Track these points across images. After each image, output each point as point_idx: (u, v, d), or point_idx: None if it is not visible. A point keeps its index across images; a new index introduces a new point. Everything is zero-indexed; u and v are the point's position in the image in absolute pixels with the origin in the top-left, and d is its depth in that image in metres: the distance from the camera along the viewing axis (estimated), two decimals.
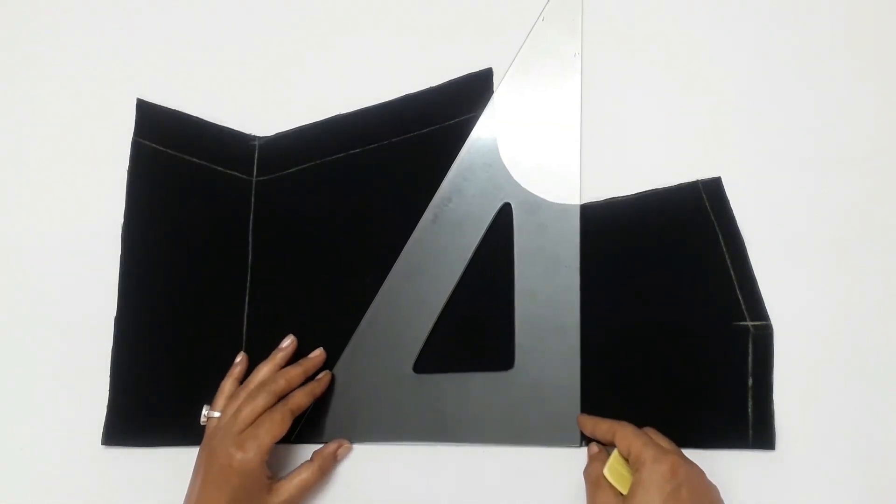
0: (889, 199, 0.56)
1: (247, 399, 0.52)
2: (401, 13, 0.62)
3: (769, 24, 0.60)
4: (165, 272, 0.59)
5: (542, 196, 0.57)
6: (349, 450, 0.55)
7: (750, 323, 0.54)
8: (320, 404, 0.56)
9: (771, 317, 0.54)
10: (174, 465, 0.55)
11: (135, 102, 0.62)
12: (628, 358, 0.55)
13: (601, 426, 0.51)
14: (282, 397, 0.52)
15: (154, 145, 0.61)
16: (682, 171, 0.57)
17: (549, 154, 0.58)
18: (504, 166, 0.58)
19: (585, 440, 0.53)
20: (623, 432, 0.49)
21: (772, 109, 0.58)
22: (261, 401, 0.51)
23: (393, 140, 0.60)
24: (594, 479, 0.49)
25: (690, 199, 0.57)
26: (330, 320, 0.57)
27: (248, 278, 0.58)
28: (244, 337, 0.57)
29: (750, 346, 0.54)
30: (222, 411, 0.52)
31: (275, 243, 0.59)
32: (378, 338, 0.56)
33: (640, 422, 0.53)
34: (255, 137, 0.61)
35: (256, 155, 0.60)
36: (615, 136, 0.58)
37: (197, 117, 0.61)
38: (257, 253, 0.59)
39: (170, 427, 0.57)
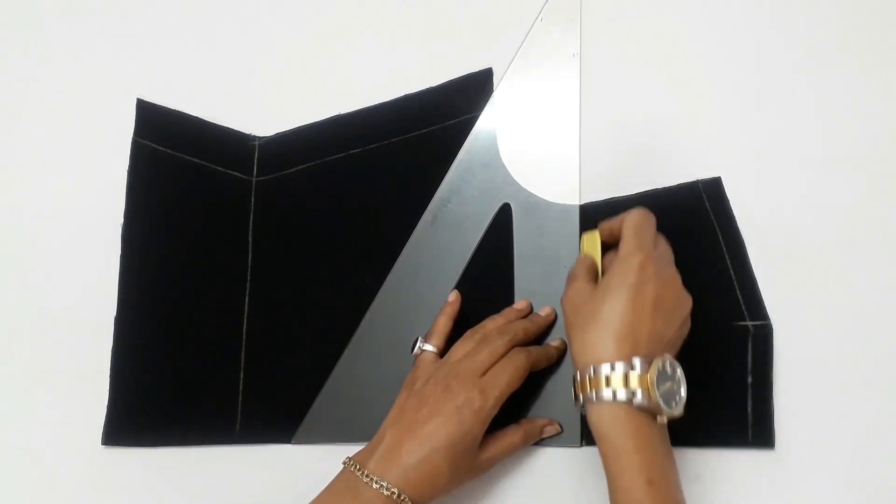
0: (889, 199, 0.56)
1: (484, 341, 0.50)
2: (401, 13, 0.62)
3: (769, 24, 0.60)
4: (165, 272, 0.59)
5: (542, 196, 0.57)
6: (557, 431, 0.53)
7: (750, 323, 0.54)
8: (321, 404, 0.55)
9: (771, 317, 0.54)
10: (174, 465, 0.56)
11: (135, 102, 0.62)
12: None
13: (615, 221, 0.50)
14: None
15: (154, 145, 0.61)
16: (682, 171, 0.57)
17: (548, 154, 0.58)
18: (503, 166, 0.58)
19: (586, 440, 0.53)
20: (627, 218, 0.48)
21: (772, 109, 0.58)
22: (501, 346, 0.49)
23: (393, 140, 0.60)
24: (579, 260, 0.50)
25: (690, 199, 0.57)
26: (330, 320, 0.57)
27: (248, 278, 0.58)
28: (244, 337, 0.57)
29: (750, 345, 0.54)
30: (440, 348, 0.52)
31: (275, 243, 0.59)
32: (377, 339, 0.56)
33: None
34: (255, 137, 0.61)
35: (256, 155, 0.60)
36: (615, 136, 0.58)
37: (197, 117, 0.61)
38: (257, 253, 0.59)
39: (170, 427, 0.57)
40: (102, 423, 0.56)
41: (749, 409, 0.53)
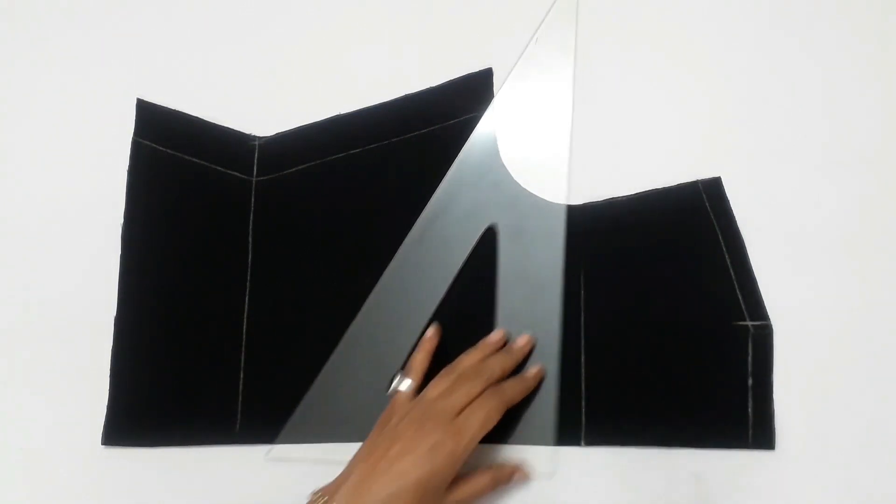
0: (889, 199, 0.56)
1: (459, 381, 0.50)
2: (401, 13, 0.62)
3: (769, 24, 0.60)
4: (165, 272, 0.59)
5: (541, 196, 0.57)
6: (526, 478, 0.53)
7: (750, 323, 0.54)
8: (302, 411, 0.56)
9: (771, 317, 0.54)
10: (174, 465, 0.56)
11: (135, 102, 0.62)
12: (628, 358, 0.55)
13: None
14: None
15: (154, 145, 0.61)
16: (682, 171, 0.57)
17: (549, 154, 0.58)
18: (503, 166, 0.58)
19: (586, 440, 0.53)
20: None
21: (772, 109, 0.58)
22: (476, 386, 0.49)
23: (393, 140, 0.60)
24: None
25: (690, 199, 0.57)
26: (330, 320, 0.57)
27: (248, 278, 0.58)
28: (244, 337, 0.57)
29: (750, 346, 0.54)
30: (417, 384, 0.51)
31: (275, 243, 0.59)
32: (359, 355, 0.56)
33: (639, 421, 0.53)
34: (255, 137, 0.61)
35: (256, 155, 0.60)
36: (615, 136, 0.58)
37: (197, 117, 0.61)
38: (257, 253, 0.59)
39: (170, 427, 0.57)
40: (102, 423, 0.56)
41: (749, 409, 0.53)
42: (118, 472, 0.56)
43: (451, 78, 0.60)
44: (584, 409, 0.54)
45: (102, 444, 0.56)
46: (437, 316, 0.56)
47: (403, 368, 0.53)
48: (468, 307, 0.56)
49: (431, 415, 0.48)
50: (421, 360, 0.53)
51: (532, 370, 0.54)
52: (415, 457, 0.46)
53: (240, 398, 0.57)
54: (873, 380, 0.53)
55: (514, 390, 0.51)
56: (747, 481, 0.52)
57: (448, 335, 0.55)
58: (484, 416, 0.48)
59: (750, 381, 0.53)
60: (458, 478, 0.49)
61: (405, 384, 0.52)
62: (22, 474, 0.57)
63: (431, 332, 0.54)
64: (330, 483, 0.48)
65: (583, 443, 0.54)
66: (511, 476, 0.52)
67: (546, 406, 0.54)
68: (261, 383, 0.57)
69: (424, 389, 0.50)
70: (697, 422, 0.53)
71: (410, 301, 0.57)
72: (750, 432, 0.53)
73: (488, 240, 0.57)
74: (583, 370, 0.54)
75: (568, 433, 0.54)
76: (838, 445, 0.52)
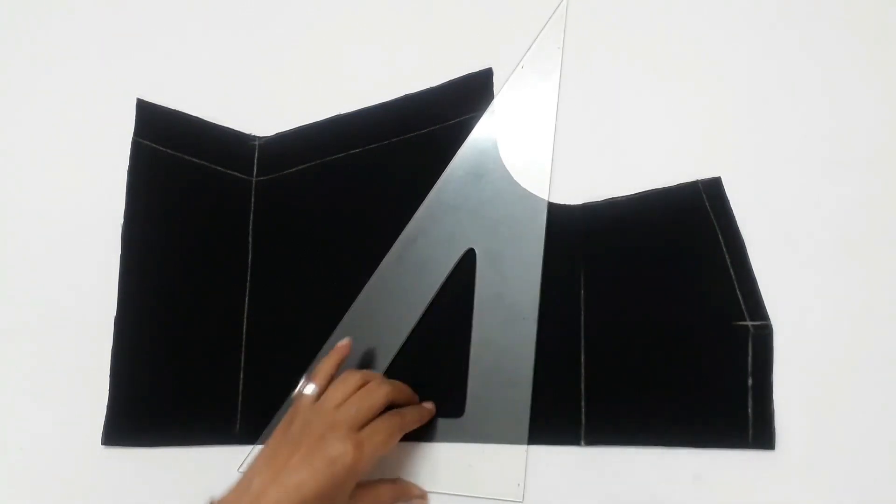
0: (889, 199, 0.56)
1: (366, 393, 0.49)
2: (401, 13, 0.62)
3: (769, 24, 0.59)
4: (165, 272, 0.59)
5: (542, 196, 0.57)
6: (425, 503, 0.54)
7: (750, 323, 0.54)
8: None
9: (771, 317, 0.54)
10: (174, 465, 0.56)
11: (135, 102, 0.62)
12: (628, 357, 0.55)
13: None
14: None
15: (154, 145, 0.61)
16: (682, 171, 0.57)
17: (548, 154, 0.58)
18: (503, 166, 0.58)
19: (586, 440, 0.53)
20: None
21: (772, 109, 0.58)
22: (380, 400, 0.49)
23: (393, 140, 0.60)
24: None
25: (690, 199, 0.57)
26: (330, 320, 0.57)
27: (248, 278, 0.58)
28: (244, 337, 0.57)
29: (750, 346, 0.54)
30: (321, 390, 0.50)
31: (275, 243, 0.59)
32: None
33: (639, 421, 0.53)
34: (255, 137, 0.61)
35: (256, 155, 0.60)
36: (615, 135, 0.58)
37: (197, 117, 0.61)
38: (257, 253, 0.59)
39: (170, 427, 0.57)
40: (102, 423, 0.56)
41: (749, 409, 0.53)
42: (118, 472, 0.56)
43: (451, 78, 0.60)
44: (584, 409, 0.54)
45: (102, 444, 0.56)
46: (412, 338, 0.56)
47: (310, 373, 0.52)
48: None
49: (333, 425, 0.47)
50: (329, 367, 0.52)
51: (428, 404, 0.54)
52: (314, 469, 0.45)
53: (240, 398, 0.57)
54: (873, 380, 0.53)
55: (412, 417, 0.51)
56: (747, 481, 0.52)
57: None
58: (387, 434, 0.48)
59: (750, 381, 0.53)
60: (361, 488, 0.49)
61: (310, 388, 0.50)
62: (22, 474, 0.57)
63: (346, 341, 0.53)
64: (227, 494, 0.46)
65: (583, 443, 0.54)
66: (412, 496, 0.53)
67: (518, 462, 0.54)
68: (261, 383, 0.57)
69: (325, 394, 0.49)
70: (697, 422, 0.53)
71: (386, 319, 0.56)
72: (750, 432, 0.53)
73: (467, 263, 0.57)
74: (583, 370, 0.54)
75: (568, 433, 0.54)
76: (838, 445, 0.52)
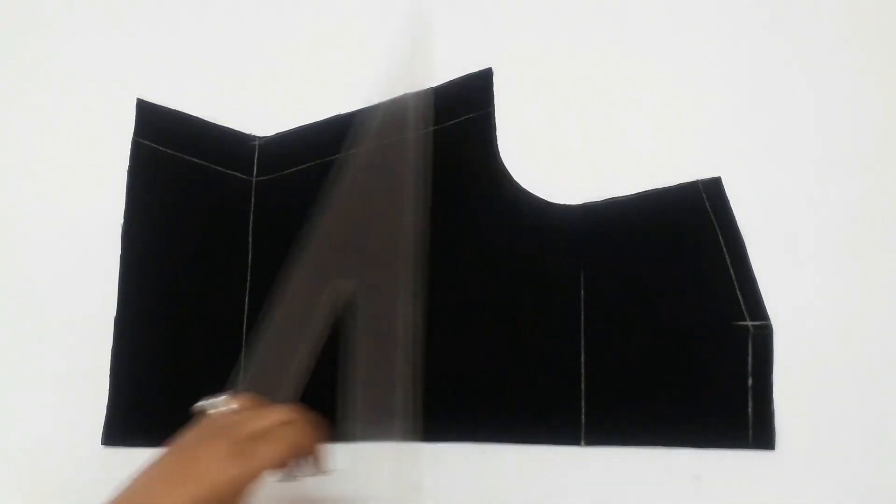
0: (889, 199, 0.56)
1: (269, 408, 0.45)
2: (401, 13, 0.62)
3: (769, 24, 0.60)
4: (165, 272, 0.59)
5: (541, 196, 0.57)
6: None
7: (750, 323, 0.54)
8: None
9: (771, 317, 0.54)
10: None
11: (135, 102, 0.62)
12: (628, 357, 0.55)
13: None
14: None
15: (154, 145, 0.61)
16: (682, 171, 0.57)
17: (548, 154, 0.58)
18: (503, 165, 0.58)
19: (586, 440, 0.53)
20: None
21: (772, 109, 0.58)
22: (283, 415, 0.44)
23: (393, 140, 0.60)
24: None
25: (690, 199, 0.57)
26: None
27: (248, 278, 0.58)
28: (244, 337, 0.57)
29: (750, 346, 0.54)
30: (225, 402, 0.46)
31: (275, 243, 0.59)
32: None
33: (639, 421, 0.53)
34: (255, 137, 0.61)
35: (256, 155, 0.60)
36: (615, 135, 0.58)
37: (197, 117, 0.61)
38: (257, 253, 0.59)
39: (170, 427, 0.56)
40: (102, 423, 0.56)
41: (749, 409, 0.53)
42: (118, 472, 0.56)
43: (452, 78, 0.60)
44: (584, 409, 0.54)
45: (102, 444, 0.56)
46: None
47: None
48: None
49: (222, 432, 0.43)
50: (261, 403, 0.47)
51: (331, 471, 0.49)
52: (193, 484, 0.41)
53: None
54: (873, 379, 0.53)
55: (310, 440, 0.45)
56: (747, 481, 0.52)
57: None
58: (284, 448, 0.42)
59: (750, 381, 0.53)
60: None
61: (207, 402, 0.47)
62: (22, 474, 0.57)
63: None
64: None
65: (583, 443, 0.54)
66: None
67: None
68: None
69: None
70: (697, 422, 0.53)
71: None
72: (750, 432, 0.53)
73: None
74: (583, 370, 0.54)
75: (568, 433, 0.54)
76: (838, 445, 0.52)
